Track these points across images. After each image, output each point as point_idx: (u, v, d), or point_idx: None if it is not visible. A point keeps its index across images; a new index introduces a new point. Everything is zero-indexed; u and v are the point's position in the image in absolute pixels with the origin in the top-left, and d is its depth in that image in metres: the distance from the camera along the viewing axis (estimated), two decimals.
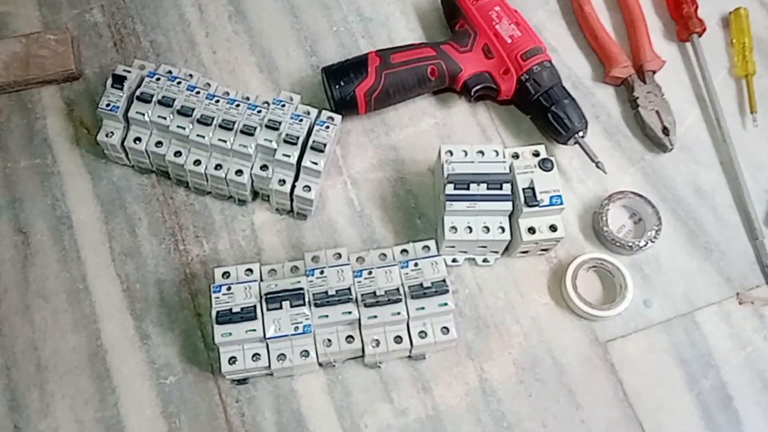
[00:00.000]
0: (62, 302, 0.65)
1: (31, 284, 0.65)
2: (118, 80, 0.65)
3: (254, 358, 0.59)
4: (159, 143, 0.66)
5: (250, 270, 0.62)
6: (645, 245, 0.68)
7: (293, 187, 0.66)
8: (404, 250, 0.64)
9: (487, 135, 0.75)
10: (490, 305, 0.67)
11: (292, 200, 0.67)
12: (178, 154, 0.66)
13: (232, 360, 0.59)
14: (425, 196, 0.72)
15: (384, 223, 0.70)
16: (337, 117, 0.67)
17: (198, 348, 0.64)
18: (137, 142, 0.66)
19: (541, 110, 0.71)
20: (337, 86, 0.70)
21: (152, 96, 0.65)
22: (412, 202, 0.71)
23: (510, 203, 0.64)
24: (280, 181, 0.65)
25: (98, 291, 0.66)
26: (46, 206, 0.69)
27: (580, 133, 0.70)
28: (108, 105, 0.65)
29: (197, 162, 0.66)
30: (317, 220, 0.70)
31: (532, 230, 0.64)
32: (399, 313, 0.59)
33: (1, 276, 0.66)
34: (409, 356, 0.64)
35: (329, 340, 0.60)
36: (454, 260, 0.68)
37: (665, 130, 0.74)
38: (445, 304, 0.60)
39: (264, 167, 0.66)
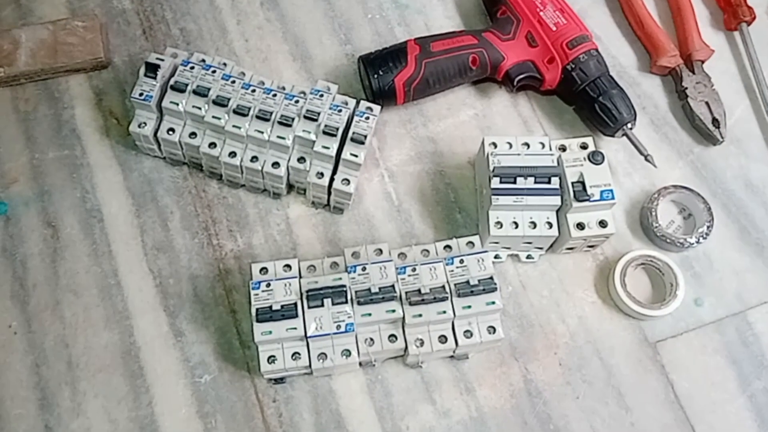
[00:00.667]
0: (94, 298, 0.63)
1: (62, 279, 0.63)
2: (152, 69, 0.63)
3: (294, 357, 0.57)
4: (193, 134, 0.64)
5: (288, 266, 0.60)
6: (696, 242, 0.66)
7: (332, 180, 0.63)
8: (447, 246, 0.62)
9: (528, 126, 0.72)
10: (534, 303, 0.65)
11: (329, 194, 0.65)
12: (212, 145, 0.64)
13: (272, 359, 0.57)
14: (465, 190, 0.69)
15: (423, 218, 0.68)
16: (377, 108, 0.65)
17: (233, 346, 0.62)
18: (171, 133, 0.64)
19: (587, 101, 0.68)
20: (375, 76, 0.67)
21: (186, 85, 0.62)
22: (452, 196, 0.69)
23: (559, 198, 0.61)
24: (318, 173, 0.63)
25: (130, 286, 0.64)
26: (76, 199, 0.66)
27: (629, 125, 0.68)
28: (141, 94, 0.62)
29: (232, 154, 0.63)
30: (354, 214, 0.68)
31: (580, 226, 0.62)
32: (445, 312, 0.57)
33: (30, 271, 0.64)
34: (452, 356, 0.62)
35: (371, 339, 0.58)
36: (496, 256, 0.66)
37: (715, 122, 0.71)
38: (493, 302, 0.57)
39: (301, 159, 0.64)
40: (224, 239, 0.66)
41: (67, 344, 0.61)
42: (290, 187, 0.68)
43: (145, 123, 0.64)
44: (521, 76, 0.69)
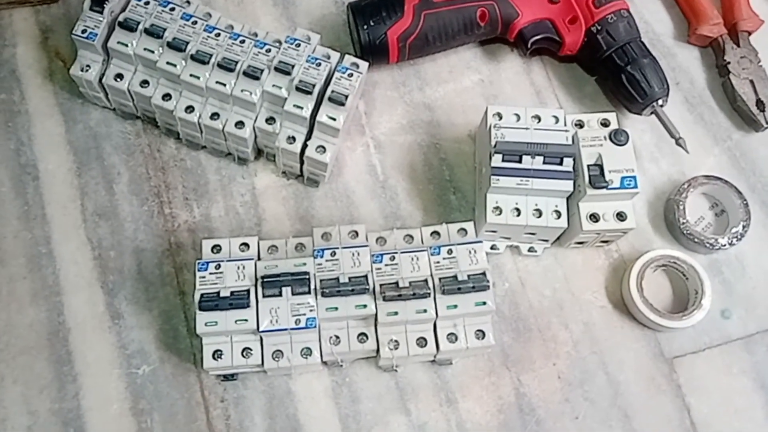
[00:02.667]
0: (20, 268, 0.54)
1: None
2: (98, 1, 0.53)
3: (245, 354, 0.48)
4: (145, 83, 0.54)
5: (246, 245, 0.51)
6: (728, 243, 0.56)
7: (305, 146, 0.54)
8: (435, 233, 0.52)
9: (542, 98, 0.62)
10: (533, 304, 0.55)
11: (302, 162, 0.55)
12: (167, 97, 0.54)
13: (217, 354, 0.48)
14: (463, 168, 0.59)
15: (411, 198, 0.58)
16: (363, 64, 0.55)
17: (179, 333, 0.53)
18: (118, 79, 0.54)
19: (613, 70, 0.58)
20: (365, 26, 0.57)
21: (138, 23, 0.53)
22: (447, 173, 0.59)
23: (571, 182, 0.51)
24: (289, 138, 0.53)
25: (64, 257, 0.55)
26: (9, 151, 0.57)
27: (660, 102, 0.57)
28: (84, 31, 0.53)
29: (189, 108, 0.54)
30: (331, 188, 0.58)
31: (594, 217, 0.52)
32: (426, 311, 0.48)
33: None
34: (433, 361, 0.53)
35: (337, 337, 0.49)
36: (493, 247, 0.56)
37: (760, 104, 0.61)
38: (484, 303, 0.48)
39: (270, 120, 0.54)
40: (178, 208, 0.57)
41: None
42: (259, 152, 0.58)
43: (89, 66, 0.54)
44: (537, 38, 0.59)
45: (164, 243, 0.56)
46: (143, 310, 0.54)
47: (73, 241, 0.55)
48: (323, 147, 0.54)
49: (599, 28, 0.58)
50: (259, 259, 0.50)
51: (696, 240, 0.56)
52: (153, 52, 0.53)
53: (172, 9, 0.54)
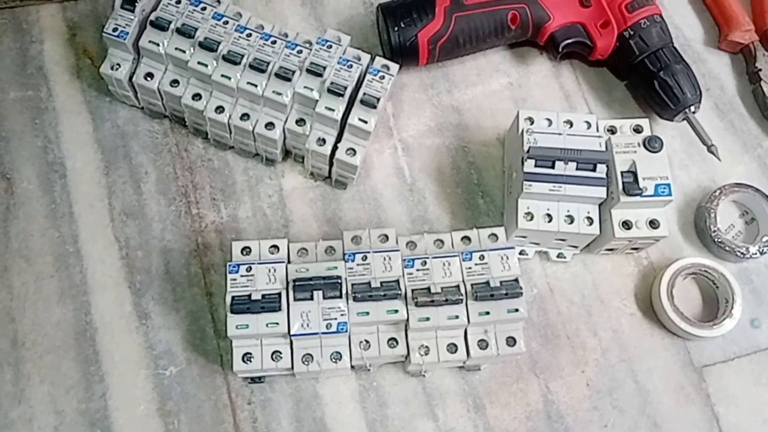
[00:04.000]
0: (48, 266, 0.54)
1: (12, 242, 0.54)
2: (130, 0, 0.52)
3: (274, 357, 0.48)
4: (175, 82, 0.54)
5: (276, 247, 0.50)
6: (758, 252, 0.56)
7: (335, 148, 0.53)
8: (466, 237, 0.52)
9: (571, 102, 0.62)
10: (562, 311, 0.55)
11: (331, 164, 0.55)
12: (197, 97, 0.54)
13: (247, 357, 0.48)
14: (491, 171, 0.59)
15: (439, 201, 0.58)
16: (394, 66, 0.54)
17: (206, 334, 0.53)
18: (148, 78, 0.54)
19: (645, 75, 0.58)
20: (396, 28, 0.57)
21: (170, 23, 0.52)
22: (475, 177, 0.59)
23: (604, 189, 0.51)
24: (319, 140, 0.53)
25: (92, 256, 0.54)
26: (37, 148, 0.57)
27: (692, 108, 0.57)
28: (115, 30, 0.52)
29: (220, 109, 0.53)
30: (359, 190, 0.58)
31: (627, 225, 0.51)
32: (458, 317, 0.47)
33: None
34: (461, 366, 0.52)
35: (367, 342, 0.48)
36: (522, 252, 0.56)
37: None
38: (516, 310, 0.48)
39: (300, 122, 0.53)
40: (205, 209, 0.56)
41: (14, 318, 0.52)
42: (286, 153, 0.58)
43: (119, 65, 0.54)
44: (568, 42, 0.59)
45: (191, 243, 0.55)
46: (170, 311, 0.53)
47: (101, 240, 0.55)
48: (353, 149, 0.53)
49: (632, 32, 0.57)
50: (289, 262, 0.50)
51: (727, 248, 0.56)
52: (184, 51, 0.52)
53: (204, 8, 0.53)
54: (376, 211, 0.58)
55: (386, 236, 0.51)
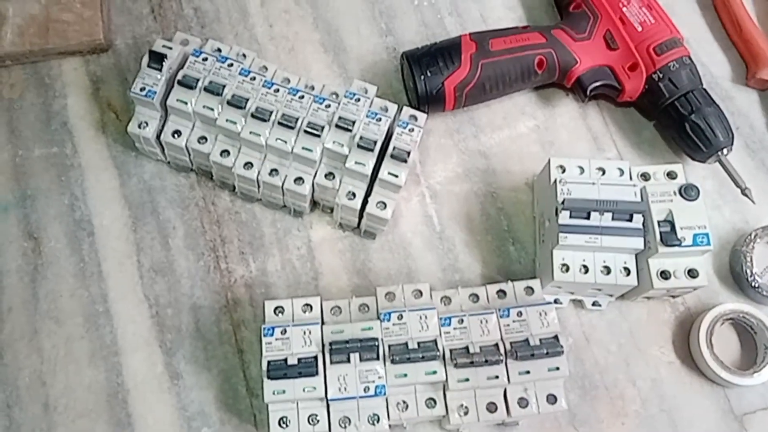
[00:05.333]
0: (78, 327, 0.53)
1: (41, 303, 0.54)
2: (157, 59, 0.52)
3: (311, 421, 0.47)
4: (203, 139, 0.54)
5: (309, 306, 0.50)
6: None
7: (365, 202, 0.53)
8: (501, 291, 0.51)
9: (599, 144, 0.61)
10: (599, 361, 0.54)
11: (360, 217, 0.54)
12: (225, 153, 0.53)
13: (284, 421, 0.47)
14: (521, 217, 0.58)
15: (469, 249, 0.57)
16: (422, 116, 0.54)
17: (239, 393, 0.52)
18: (176, 136, 0.53)
19: (676, 118, 0.57)
20: (422, 77, 0.56)
21: (197, 80, 0.52)
22: (505, 223, 0.58)
23: (641, 240, 0.50)
24: (348, 194, 0.53)
25: (121, 316, 0.54)
26: (63, 206, 0.56)
27: (725, 151, 0.56)
28: (143, 89, 0.52)
29: (248, 165, 0.53)
30: (388, 239, 0.57)
31: (665, 275, 0.51)
32: (497, 377, 0.46)
33: (5, 291, 0.54)
34: (500, 422, 0.51)
35: (405, 403, 0.48)
36: (556, 300, 0.55)
37: None
38: (557, 368, 0.47)
39: (330, 175, 0.53)
40: (234, 263, 0.56)
41: (45, 382, 0.52)
42: (314, 203, 0.57)
43: (146, 123, 0.54)
44: (596, 84, 0.58)
45: (221, 299, 0.55)
46: (202, 370, 0.53)
47: (130, 298, 0.54)
48: (384, 203, 0.53)
49: (661, 75, 0.57)
50: (322, 320, 0.49)
51: (764, 293, 0.55)
52: (212, 109, 0.52)
53: (231, 65, 0.53)
54: (405, 260, 0.57)
55: (420, 291, 0.51)
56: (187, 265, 0.56)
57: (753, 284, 0.55)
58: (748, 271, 0.55)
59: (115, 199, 0.57)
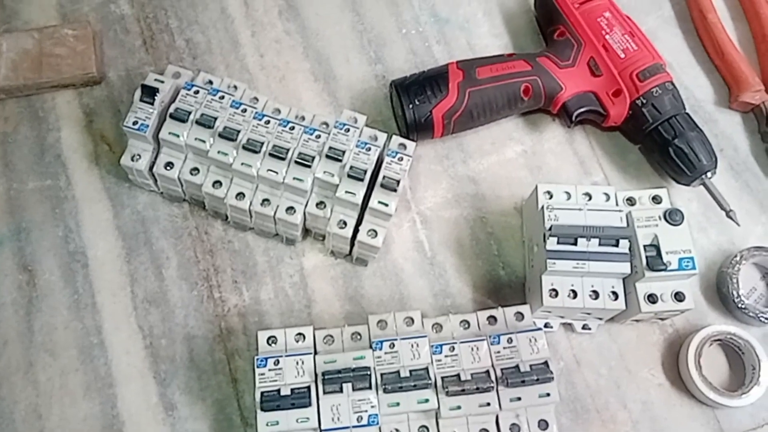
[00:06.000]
0: (72, 359, 0.54)
1: (36, 335, 0.54)
2: (149, 93, 0.53)
3: None
4: (195, 170, 0.54)
5: (302, 335, 0.50)
6: None
7: (356, 230, 0.53)
8: (492, 317, 0.52)
9: (586, 167, 0.62)
10: (590, 384, 0.55)
11: (352, 244, 0.55)
12: (217, 184, 0.54)
13: None
14: (510, 241, 0.59)
15: (460, 274, 0.58)
16: (411, 145, 0.55)
17: (234, 423, 0.53)
18: (169, 167, 0.54)
19: (659, 143, 0.58)
20: (411, 106, 0.57)
21: (189, 114, 0.53)
22: (495, 248, 0.59)
23: (628, 264, 0.51)
24: (340, 222, 0.53)
25: (116, 347, 0.54)
26: (57, 238, 0.57)
27: (708, 174, 0.57)
28: (135, 123, 0.53)
29: (240, 195, 0.54)
30: (379, 266, 0.58)
31: (652, 299, 0.51)
32: (489, 404, 0.47)
33: (0, 324, 0.54)
34: None
35: (397, 431, 0.48)
36: (546, 325, 0.56)
37: None
38: (547, 394, 0.47)
39: (321, 204, 0.54)
40: (228, 292, 0.56)
41: (41, 415, 0.52)
42: (306, 231, 0.58)
43: (139, 155, 0.54)
44: (581, 110, 0.59)
45: (215, 329, 0.55)
46: (197, 400, 0.53)
47: (124, 330, 0.55)
48: (375, 231, 0.53)
49: (644, 101, 0.58)
50: (315, 351, 0.50)
51: (750, 314, 0.55)
52: (204, 141, 0.53)
53: (222, 97, 0.54)
54: (397, 286, 0.58)
55: (412, 319, 0.51)
56: (180, 295, 0.56)
57: (739, 305, 0.56)
58: (735, 292, 0.56)
59: (109, 231, 0.58)
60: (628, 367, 0.55)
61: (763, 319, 0.55)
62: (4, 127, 0.60)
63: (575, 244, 0.51)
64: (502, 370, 0.48)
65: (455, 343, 0.49)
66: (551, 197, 0.54)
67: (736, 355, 0.56)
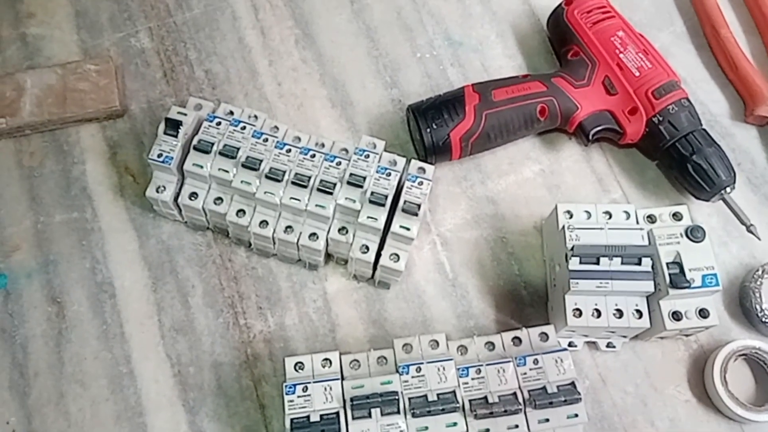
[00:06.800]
0: (103, 389, 0.54)
1: (66, 366, 0.55)
2: (173, 125, 0.54)
3: None
4: (218, 199, 0.55)
5: (328, 360, 0.51)
6: None
7: (378, 254, 0.54)
8: (516, 338, 0.52)
9: (604, 185, 0.62)
10: (617, 402, 0.55)
11: (374, 268, 0.56)
12: (241, 213, 0.55)
13: None
14: (532, 261, 0.59)
15: (482, 295, 0.58)
16: (430, 168, 0.56)
17: None
18: (193, 198, 0.55)
19: (677, 159, 0.58)
20: (428, 130, 0.58)
21: (212, 145, 0.54)
22: (516, 267, 0.59)
23: (651, 283, 0.51)
24: (362, 247, 0.54)
25: (145, 376, 0.55)
26: (85, 270, 0.58)
27: (728, 189, 0.57)
28: (160, 155, 0.54)
29: (264, 223, 0.54)
30: (402, 289, 0.59)
31: (677, 316, 0.52)
32: (517, 426, 0.47)
33: (31, 356, 0.55)
34: None
35: None
36: (570, 344, 0.56)
37: None
38: (576, 415, 0.47)
39: (343, 230, 0.54)
40: (253, 318, 0.57)
41: None
42: (328, 256, 0.59)
43: (164, 187, 0.55)
44: (597, 129, 0.60)
45: (241, 355, 0.56)
46: (225, 427, 0.54)
47: (153, 358, 0.55)
48: (397, 255, 0.54)
49: (661, 118, 0.58)
50: (342, 375, 0.50)
51: None
52: (228, 172, 0.53)
53: (243, 128, 0.55)
54: (420, 309, 0.58)
55: (437, 342, 0.52)
56: (206, 322, 0.57)
57: (763, 319, 0.56)
58: (758, 306, 0.56)
59: (135, 261, 0.58)
60: (654, 384, 0.55)
61: None
62: (30, 161, 0.61)
63: (598, 263, 0.51)
64: (529, 391, 0.48)
65: (481, 365, 0.49)
66: (571, 217, 0.55)
67: (762, 370, 0.56)
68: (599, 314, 0.51)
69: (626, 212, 0.55)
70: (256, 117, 0.57)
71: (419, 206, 0.53)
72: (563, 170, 0.63)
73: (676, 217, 0.54)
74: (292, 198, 0.53)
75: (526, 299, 0.58)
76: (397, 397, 0.47)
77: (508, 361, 0.49)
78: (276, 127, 0.56)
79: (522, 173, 0.63)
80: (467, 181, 0.63)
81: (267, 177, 0.53)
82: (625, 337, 0.55)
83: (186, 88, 0.65)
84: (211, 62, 0.66)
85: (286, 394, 0.48)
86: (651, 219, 0.55)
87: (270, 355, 0.56)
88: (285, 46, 0.67)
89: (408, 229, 0.53)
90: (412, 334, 0.52)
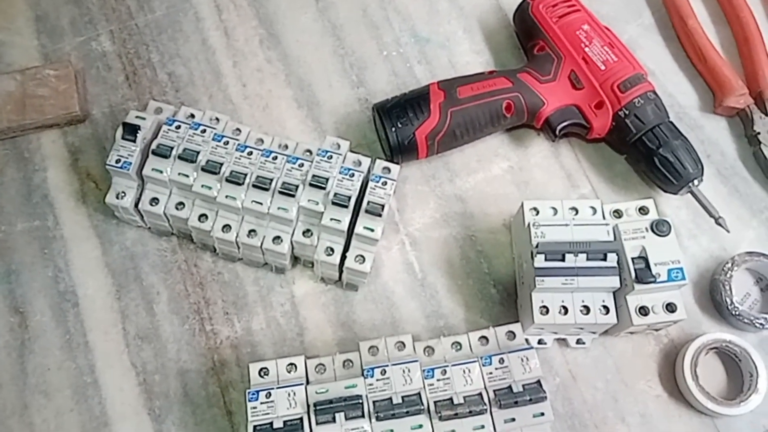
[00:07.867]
0: (67, 400, 0.54)
1: (30, 377, 0.54)
2: (131, 130, 0.53)
3: None
4: (180, 204, 0.54)
5: (293, 365, 0.50)
6: None
7: (343, 256, 0.53)
8: (483, 338, 0.52)
9: (573, 180, 0.62)
10: (587, 399, 0.54)
11: (341, 271, 0.55)
12: (203, 217, 0.54)
13: None
14: (501, 259, 0.59)
15: (452, 294, 0.58)
16: (395, 168, 0.55)
17: None
18: (154, 203, 0.54)
19: (645, 153, 0.58)
20: (393, 129, 0.57)
21: (171, 149, 0.53)
22: (485, 266, 0.59)
23: (617, 278, 0.51)
24: (327, 249, 0.53)
25: (109, 385, 0.54)
26: (47, 279, 0.57)
27: (695, 182, 0.57)
28: (118, 161, 0.53)
29: (226, 228, 0.54)
30: (370, 290, 0.58)
31: (644, 311, 0.51)
32: (483, 427, 0.47)
33: None
34: None
35: None
36: (540, 341, 0.56)
37: None
38: (542, 414, 0.47)
39: (307, 232, 0.54)
40: (219, 324, 0.56)
41: None
42: (295, 259, 0.58)
43: (124, 193, 0.55)
44: (564, 124, 0.59)
45: (208, 362, 0.55)
46: None
47: (117, 367, 0.55)
48: (362, 257, 0.53)
49: (627, 112, 0.58)
50: (308, 381, 0.49)
51: (745, 320, 0.55)
52: (188, 176, 0.53)
53: (203, 131, 0.54)
54: (389, 310, 0.57)
55: (403, 343, 0.51)
56: (172, 329, 0.56)
57: (734, 312, 0.55)
58: (728, 299, 0.56)
59: (99, 268, 0.58)
60: (624, 379, 0.55)
61: (758, 325, 0.55)
62: None
63: (563, 260, 0.51)
64: (494, 391, 0.48)
65: (447, 366, 0.49)
66: (538, 213, 0.54)
67: (733, 363, 0.55)
68: (566, 311, 0.51)
69: (593, 208, 0.54)
70: (217, 120, 0.56)
71: (383, 207, 0.52)
72: (532, 166, 0.62)
73: (642, 211, 0.54)
74: (253, 201, 0.52)
75: (495, 297, 0.58)
76: (361, 401, 0.47)
77: (474, 362, 0.49)
78: (238, 130, 0.56)
79: (490, 170, 0.62)
80: (435, 179, 0.62)
81: (228, 180, 0.52)
82: (594, 333, 0.55)
83: (149, 92, 0.64)
84: (174, 65, 0.65)
85: (249, 400, 0.47)
86: (617, 214, 0.54)
87: (237, 361, 0.55)
88: (249, 46, 0.66)
89: (372, 230, 0.52)
90: (382, 335, 0.52)
